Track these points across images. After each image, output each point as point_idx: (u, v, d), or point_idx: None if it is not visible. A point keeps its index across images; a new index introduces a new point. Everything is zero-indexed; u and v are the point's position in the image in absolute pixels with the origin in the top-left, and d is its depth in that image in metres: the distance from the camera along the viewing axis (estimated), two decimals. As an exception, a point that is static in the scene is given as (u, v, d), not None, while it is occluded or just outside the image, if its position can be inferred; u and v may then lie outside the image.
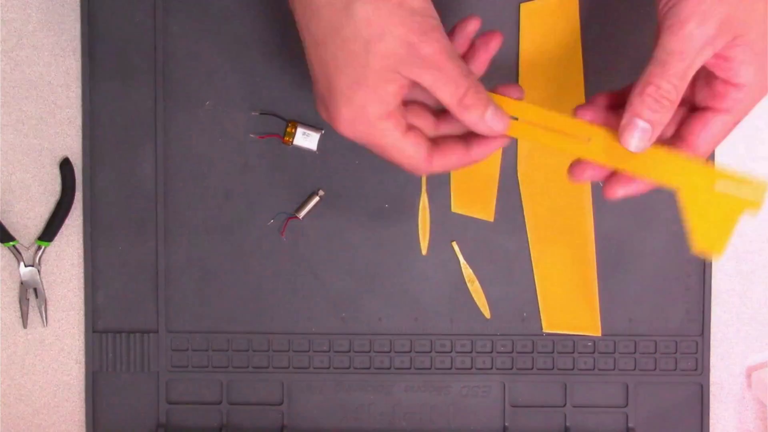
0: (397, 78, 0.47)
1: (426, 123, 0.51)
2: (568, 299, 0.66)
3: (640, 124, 0.48)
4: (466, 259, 0.66)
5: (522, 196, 0.66)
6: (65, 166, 0.66)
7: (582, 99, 0.65)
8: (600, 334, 0.66)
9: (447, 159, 0.51)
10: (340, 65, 0.47)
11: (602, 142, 0.50)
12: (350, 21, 0.46)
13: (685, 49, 0.47)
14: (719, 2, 0.47)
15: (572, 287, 0.66)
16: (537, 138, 0.51)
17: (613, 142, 0.49)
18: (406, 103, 0.50)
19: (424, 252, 0.66)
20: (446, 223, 0.66)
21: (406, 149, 0.50)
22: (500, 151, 0.65)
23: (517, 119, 0.50)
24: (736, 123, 0.50)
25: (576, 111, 0.51)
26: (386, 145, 0.49)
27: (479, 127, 0.49)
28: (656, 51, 0.48)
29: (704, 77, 0.50)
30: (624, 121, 0.48)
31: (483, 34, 0.52)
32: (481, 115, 0.49)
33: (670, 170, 0.49)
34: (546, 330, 0.66)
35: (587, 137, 0.50)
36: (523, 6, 0.64)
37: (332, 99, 0.48)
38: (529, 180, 0.66)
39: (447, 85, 0.48)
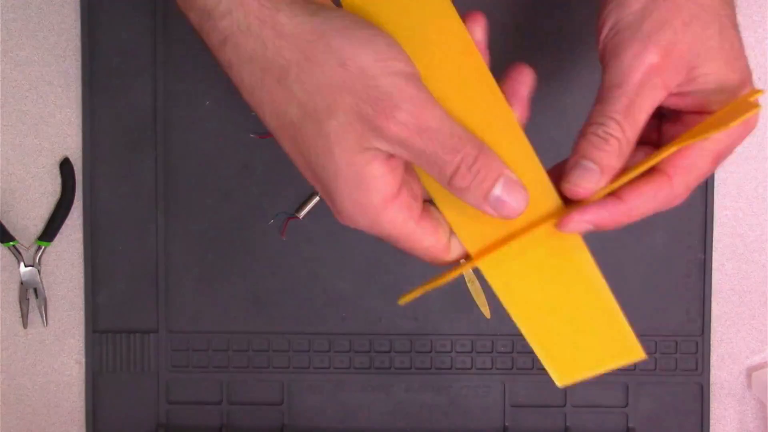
0: (375, 154, 0.37)
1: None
2: (578, 330, 0.45)
3: (586, 164, 0.40)
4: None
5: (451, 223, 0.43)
6: (65, 166, 0.66)
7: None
8: (645, 356, 0.44)
9: None
10: (309, 155, 0.38)
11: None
12: (291, 98, 0.37)
13: (624, 81, 0.41)
14: (659, 28, 0.41)
15: (576, 311, 0.44)
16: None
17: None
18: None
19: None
20: (446, 223, 0.66)
21: (423, 240, 0.40)
22: None
23: None
24: (717, 157, 0.42)
25: None
26: (398, 237, 0.40)
27: (482, 209, 0.39)
28: (599, 90, 0.42)
29: (672, 117, 0.44)
30: (569, 165, 0.41)
31: (511, 72, 0.41)
32: (483, 196, 0.38)
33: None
34: (563, 384, 0.45)
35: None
36: None
37: (323, 191, 0.39)
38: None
39: (428, 166, 0.38)
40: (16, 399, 0.68)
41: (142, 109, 0.66)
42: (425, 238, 0.40)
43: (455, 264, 0.43)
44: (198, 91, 0.66)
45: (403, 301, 0.44)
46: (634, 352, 0.44)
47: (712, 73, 0.42)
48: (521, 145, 0.41)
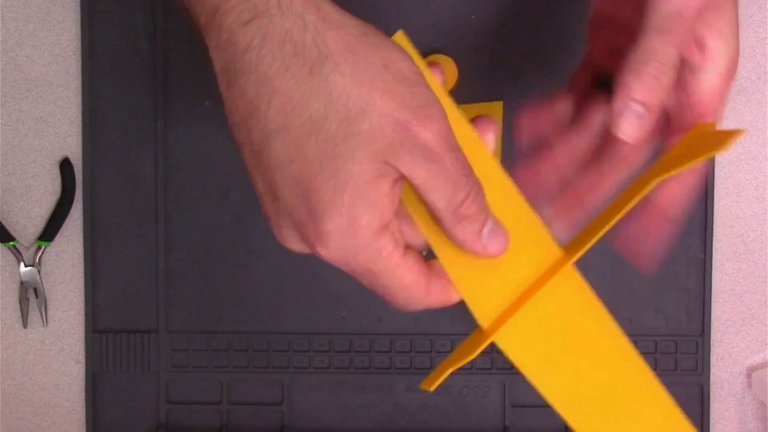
0: (388, 172, 0.35)
1: (417, 235, 0.39)
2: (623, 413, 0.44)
3: (636, 108, 0.40)
4: (466, 259, 0.66)
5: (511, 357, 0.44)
6: (65, 166, 0.66)
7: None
8: None
9: (447, 289, 0.40)
10: (315, 159, 0.34)
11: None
12: (319, 91, 0.34)
13: (683, 7, 0.39)
14: None
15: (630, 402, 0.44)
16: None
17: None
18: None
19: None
20: (446, 223, 0.66)
21: (405, 277, 0.37)
22: None
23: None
24: (726, 74, 0.42)
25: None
26: (380, 271, 0.36)
27: (473, 246, 0.37)
28: (648, 19, 0.40)
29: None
30: (618, 105, 0.40)
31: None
32: (477, 230, 0.37)
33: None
34: None
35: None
36: None
37: (310, 212, 0.35)
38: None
39: (444, 185, 0.35)
40: (16, 399, 0.68)
41: (142, 109, 0.66)
42: (407, 275, 0.37)
43: (479, 337, 0.41)
44: (198, 91, 0.66)
45: (433, 387, 0.40)
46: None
47: (723, 53, 0.41)
48: (516, 198, 0.40)
